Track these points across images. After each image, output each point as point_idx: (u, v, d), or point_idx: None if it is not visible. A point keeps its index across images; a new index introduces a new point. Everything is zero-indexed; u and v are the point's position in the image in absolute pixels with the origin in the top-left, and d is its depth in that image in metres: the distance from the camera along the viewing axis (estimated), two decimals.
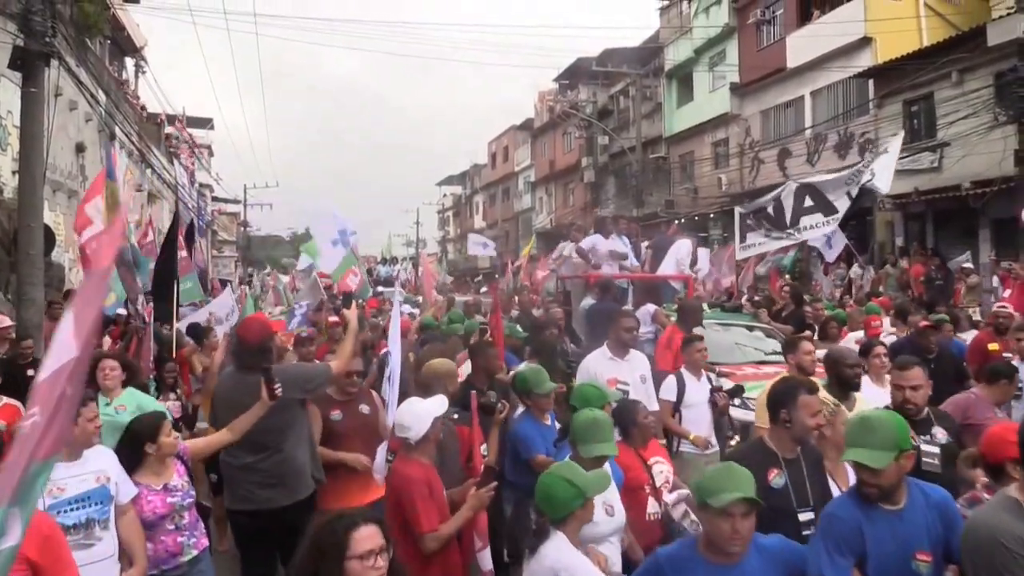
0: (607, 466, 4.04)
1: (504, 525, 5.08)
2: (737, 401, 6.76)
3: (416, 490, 3.91)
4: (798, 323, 10.19)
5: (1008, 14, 16.13)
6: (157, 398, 6.71)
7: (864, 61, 21.36)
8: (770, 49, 25.51)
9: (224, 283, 22.67)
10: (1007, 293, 13.65)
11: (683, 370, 6.66)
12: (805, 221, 11.00)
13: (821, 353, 8.69)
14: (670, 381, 6.54)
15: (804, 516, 3.66)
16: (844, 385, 5.00)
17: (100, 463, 3.87)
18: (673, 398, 6.43)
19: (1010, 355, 7.24)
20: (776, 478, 3.69)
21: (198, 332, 9.88)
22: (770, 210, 11.36)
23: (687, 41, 29.81)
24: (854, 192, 10.89)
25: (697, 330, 7.74)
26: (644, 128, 32.01)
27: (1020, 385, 6.15)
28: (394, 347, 5.53)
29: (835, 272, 15.61)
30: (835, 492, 3.81)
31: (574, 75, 38.38)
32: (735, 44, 27.42)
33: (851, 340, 9.02)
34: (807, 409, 3.79)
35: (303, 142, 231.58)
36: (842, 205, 10.94)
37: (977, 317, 11.47)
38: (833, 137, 22.62)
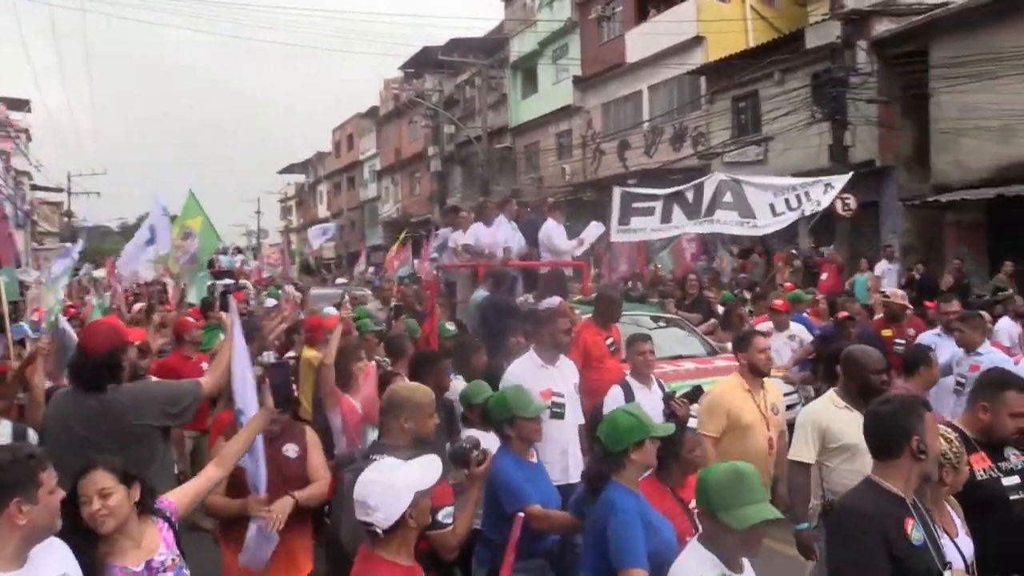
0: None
1: None
2: (695, 408, 5.44)
3: None
4: (704, 310, 9.90)
5: (823, 20, 17.49)
6: None
7: (696, 59, 22.54)
8: (610, 44, 26.44)
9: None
10: (824, 276, 14.94)
11: (629, 378, 5.62)
12: (720, 215, 10.82)
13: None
14: (615, 393, 5.42)
15: None
16: (869, 394, 4.17)
17: (61, 563, 2.58)
18: None
19: (903, 341, 7.43)
20: (915, 531, 2.87)
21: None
22: (689, 196, 11.06)
23: (532, 34, 30.42)
24: (779, 208, 10.82)
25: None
26: (490, 118, 32.48)
27: (960, 380, 6.19)
28: (241, 363, 3.83)
29: (696, 263, 16.20)
30: (948, 546, 3.15)
31: (420, 64, 38.31)
32: (577, 38, 28.23)
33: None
34: (934, 432, 3.02)
35: (134, 128, 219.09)
36: (763, 215, 10.83)
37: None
38: (669, 130, 23.76)
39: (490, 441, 4.09)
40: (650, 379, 5.72)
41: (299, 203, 65.78)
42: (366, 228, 47.75)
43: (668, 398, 5.21)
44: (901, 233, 17.19)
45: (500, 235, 10.13)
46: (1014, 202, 13.80)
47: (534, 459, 4.25)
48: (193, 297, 11.08)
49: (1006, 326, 8.85)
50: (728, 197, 10.87)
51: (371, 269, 26.42)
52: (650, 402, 5.20)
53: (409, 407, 3.68)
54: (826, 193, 10.98)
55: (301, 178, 64.43)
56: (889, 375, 4.69)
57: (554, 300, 7.77)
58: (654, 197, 11.28)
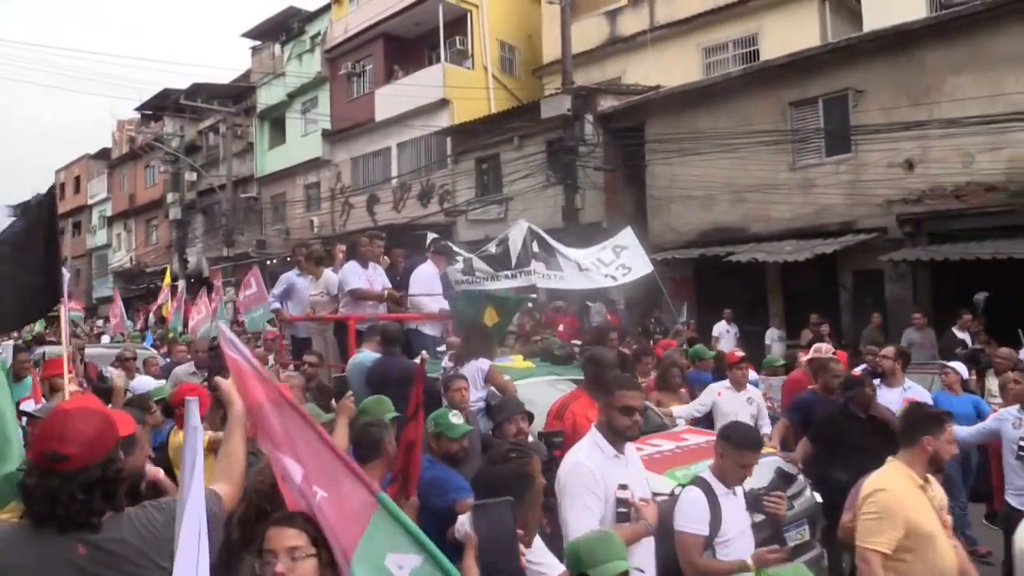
0: None
1: None
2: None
3: None
4: (631, 371, 8.56)
5: (556, 93, 19.17)
6: None
7: (443, 121, 23.69)
8: (360, 100, 27.01)
9: None
10: (560, 327, 16.14)
11: (706, 475, 4.06)
12: (536, 265, 10.22)
13: (681, 410, 7.28)
14: (697, 502, 3.91)
15: None
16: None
17: None
18: (705, 531, 3.87)
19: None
20: None
21: None
22: (493, 249, 10.53)
23: (280, 85, 30.29)
24: (584, 264, 10.71)
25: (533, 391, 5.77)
26: (235, 167, 31.71)
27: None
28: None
29: None
30: None
31: (159, 107, 36.66)
32: (327, 92, 28.56)
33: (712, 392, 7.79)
34: None
35: None
36: (569, 270, 10.59)
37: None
38: (417, 187, 24.64)
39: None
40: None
41: None
42: (94, 278, 44.28)
43: (757, 497, 4.13)
44: (625, 287, 19.03)
45: (378, 278, 8.86)
46: (713, 260, 15.91)
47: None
48: None
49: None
50: (535, 247, 10.40)
51: (102, 322, 24.65)
52: (736, 511, 4.05)
53: None
54: (619, 256, 11.18)
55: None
56: None
57: (482, 364, 6.47)
58: (458, 253, 10.70)
